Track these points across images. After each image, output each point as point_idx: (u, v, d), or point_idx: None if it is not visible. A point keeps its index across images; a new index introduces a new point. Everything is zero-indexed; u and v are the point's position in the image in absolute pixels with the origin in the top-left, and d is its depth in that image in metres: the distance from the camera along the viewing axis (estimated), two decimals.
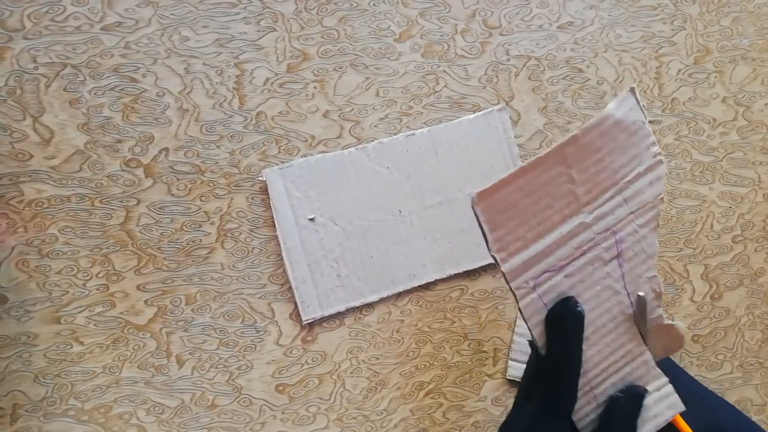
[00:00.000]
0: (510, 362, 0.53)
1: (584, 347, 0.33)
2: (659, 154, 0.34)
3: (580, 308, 0.32)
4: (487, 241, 0.31)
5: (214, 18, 0.49)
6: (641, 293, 0.33)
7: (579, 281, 0.33)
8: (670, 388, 0.35)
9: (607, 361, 0.34)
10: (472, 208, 0.31)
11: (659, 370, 0.35)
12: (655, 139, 0.34)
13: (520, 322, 0.53)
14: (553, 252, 0.32)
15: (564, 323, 0.32)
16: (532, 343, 0.34)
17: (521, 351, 0.53)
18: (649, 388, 0.34)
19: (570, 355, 0.31)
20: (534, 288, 0.32)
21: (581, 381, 0.32)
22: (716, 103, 0.56)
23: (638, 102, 0.34)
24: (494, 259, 0.32)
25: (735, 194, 0.56)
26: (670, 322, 0.35)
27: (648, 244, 0.34)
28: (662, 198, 0.34)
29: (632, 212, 0.34)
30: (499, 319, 0.53)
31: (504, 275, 0.32)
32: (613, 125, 0.33)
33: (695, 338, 0.56)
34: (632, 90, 0.34)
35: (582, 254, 0.33)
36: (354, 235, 0.51)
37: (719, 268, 0.56)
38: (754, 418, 0.56)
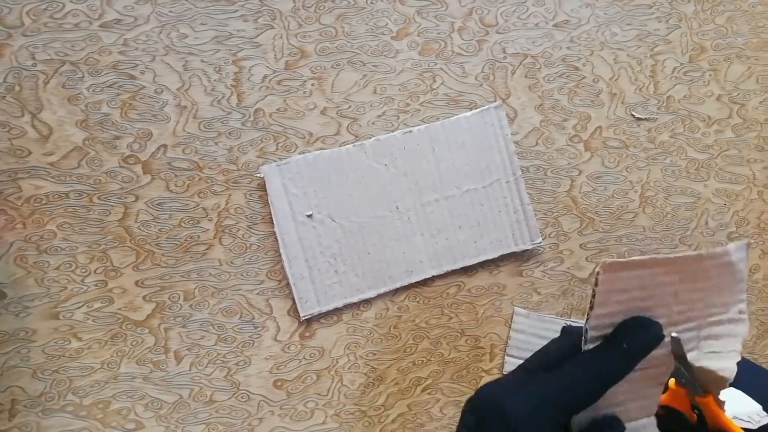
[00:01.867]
0: (507, 358, 0.53)
1: None
2: (743, 312, 0.34)
3: (664, 337, 0.31)
4: (589, 313, 0.31)
5: (212, 15, 0.50)
6: (674, 334, 0.33)
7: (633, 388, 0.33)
8: None
9: None
10: (597, 273, 0.30)
11: None
12: (746, 296, 0.34)
13: (516, 318, 0.53)
14: None
15: (643, 335, 0.30)
16: (570, 330, 0.33)
17: (518, 347, 0.53)
18: None
19: (625, 361, 0.30)
20: None
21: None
22: (711, 101, 0.56)
23: (747, 258, 0.34)
24: (585, 330, 0.31)
25: (730, 191, 0.56)
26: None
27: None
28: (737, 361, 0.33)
29: (694, 350, 0.34)
30: (496, 315, 0.53)
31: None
32: (727, 264, 0.33)
33: None
34: (748, 245, 0.34)
35: (645, 368, 0.32)
36: (351, 232, 0.51)
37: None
38: None
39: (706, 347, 0.34)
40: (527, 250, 0.53)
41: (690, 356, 0.33)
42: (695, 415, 0.35)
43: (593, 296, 0.31)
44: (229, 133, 0.50)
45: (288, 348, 0.51)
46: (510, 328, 0.53)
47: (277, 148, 0.51)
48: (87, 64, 0.48)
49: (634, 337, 0.30)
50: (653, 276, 0.32)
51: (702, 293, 0.33)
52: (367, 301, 0.52)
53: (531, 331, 0.53)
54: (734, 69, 0.56)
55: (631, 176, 0.55)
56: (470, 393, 0.53)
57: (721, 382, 0.34)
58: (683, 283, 0.33)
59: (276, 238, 0.50)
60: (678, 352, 0.33)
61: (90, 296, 0.48)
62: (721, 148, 0.56)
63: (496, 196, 0.52)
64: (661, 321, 0.32)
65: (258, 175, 0.50)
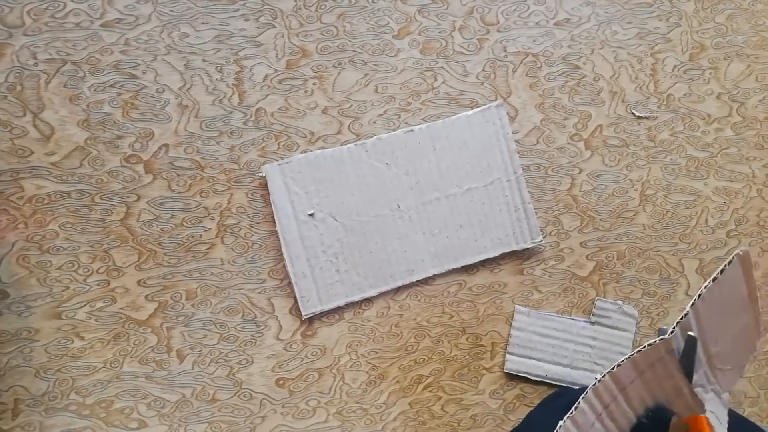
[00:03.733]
0: (508, 356, 0.53)
1: None
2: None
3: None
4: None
5: (213, 15, 0.50)
6: (691, 333, 0.34)
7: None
8: None
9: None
10: (736, 257, 0.32)
11: None
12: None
13: (517, 316, 0.53)
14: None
15: None
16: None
17: (518, 345, 0.53)
18: None
19: None
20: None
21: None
22: (711, 100, 0.56)
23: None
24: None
25: (729, 189, 0.57)
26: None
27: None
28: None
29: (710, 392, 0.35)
30: (497, 313, 0.54)
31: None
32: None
33: None
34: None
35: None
36: (353, 231, 0.51)
37: (714, 263, 0.56)
38: (748, 411, 0.57)
39: (712, 403, 0.35)
40: (528, 248, 0.53)
41: (698, 390, 0.34)
42: None
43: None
44: (231, 133, 0.50)
45: (290, 346, 0.51)
46: (511, 326, 0.54)
47: (278, 148, 0.51)
48: (88, 64, 0.48)
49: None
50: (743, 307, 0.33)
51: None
52: (369, 300, 0.52)
53: (532, 329, 0.54)
54: (734, 67, 0.56)
55: (631, 174, 0.55)
56: (472, 390, 0.53)
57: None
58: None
59: (278, 237, 0.50)
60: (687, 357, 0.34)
61: (92, 296, 0.49)
62: (721, 147, 0.56)
63: (497, 194, 0.52)
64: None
65: (260, 174, 0.50)
